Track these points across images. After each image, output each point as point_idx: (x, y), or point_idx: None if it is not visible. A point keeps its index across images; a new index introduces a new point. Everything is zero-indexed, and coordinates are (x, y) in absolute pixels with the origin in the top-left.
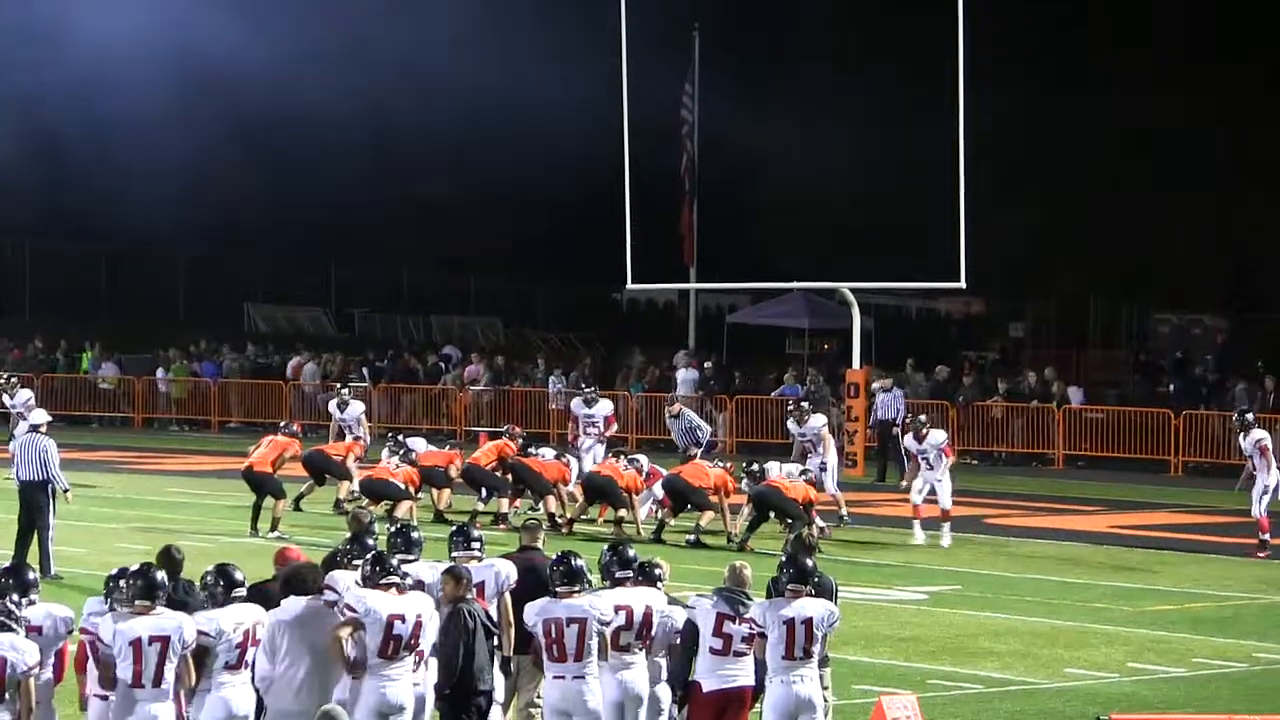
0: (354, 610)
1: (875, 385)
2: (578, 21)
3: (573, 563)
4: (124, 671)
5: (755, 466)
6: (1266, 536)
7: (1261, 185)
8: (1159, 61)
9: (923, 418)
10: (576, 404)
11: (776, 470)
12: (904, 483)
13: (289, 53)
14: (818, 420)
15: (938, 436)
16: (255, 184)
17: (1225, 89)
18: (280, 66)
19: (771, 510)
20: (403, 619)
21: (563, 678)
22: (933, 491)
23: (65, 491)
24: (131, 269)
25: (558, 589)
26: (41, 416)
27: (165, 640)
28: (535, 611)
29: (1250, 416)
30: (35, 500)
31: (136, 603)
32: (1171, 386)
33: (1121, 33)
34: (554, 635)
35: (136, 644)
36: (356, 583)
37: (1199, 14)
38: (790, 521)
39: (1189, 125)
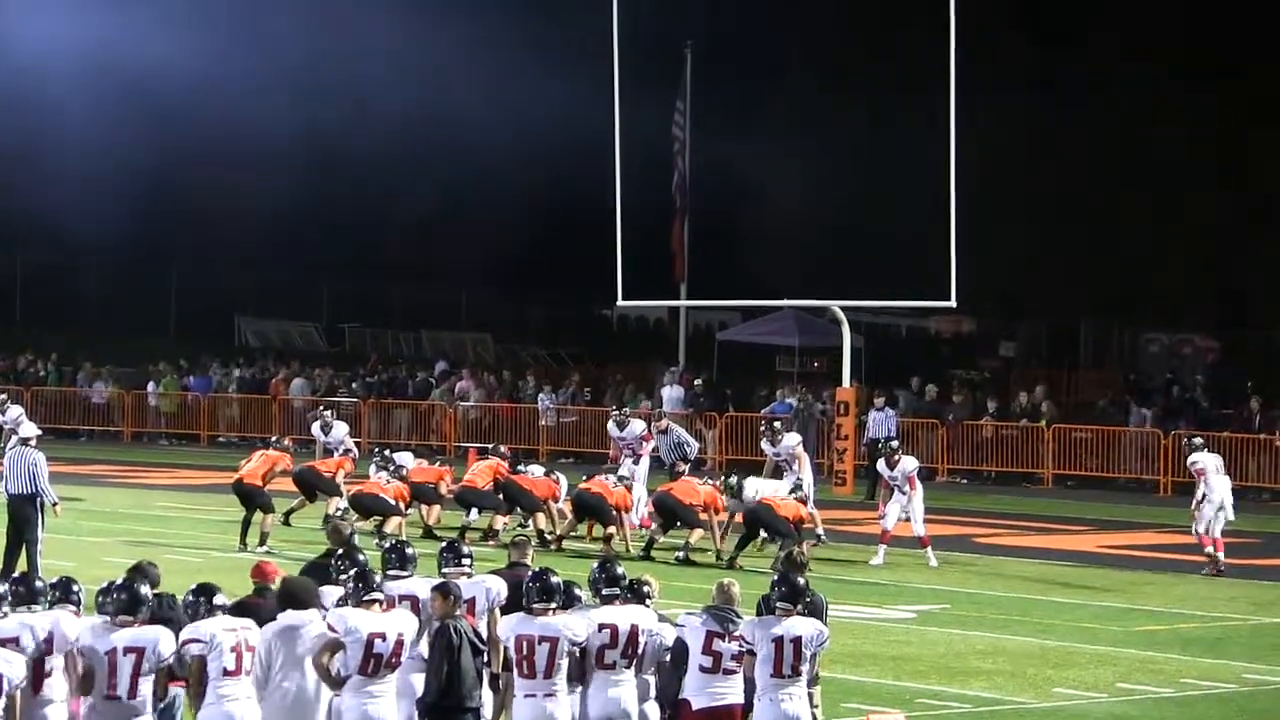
0: (334, 629)
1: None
2: (571, 38)
3: (549, 579)
4: (99, 682)
5: (733, 479)
6: (1217, 553)
7: (1253, 205)
8: (1152, 82)
9: (895, 443)
10: (611, 427)
11: (753, 486)
12: (879, 508)
13: (276, 68)
14: (791, 439)
15: (908, 464)
16: (248, 199)
17: (1218, 108)
18: (269, 82)
19: (762, 528)
20: (383, 637)
21: (533, 695)
22: (909, 516)
23: (54, 505)
24: (120, 282)
25: (533, 605)
26: (31, 430)
27: (140, 652)
28: (509, 627)
29: (1198, 441)
30: (24, 513)
31: (119, 617)
32: (1149, 412)
33: (1114, 54)
34: (525, 652)
35: (112, 655)
36: (340, 600)
37: (1195, 36)
38: (780, 540)
39: (1181, 143)
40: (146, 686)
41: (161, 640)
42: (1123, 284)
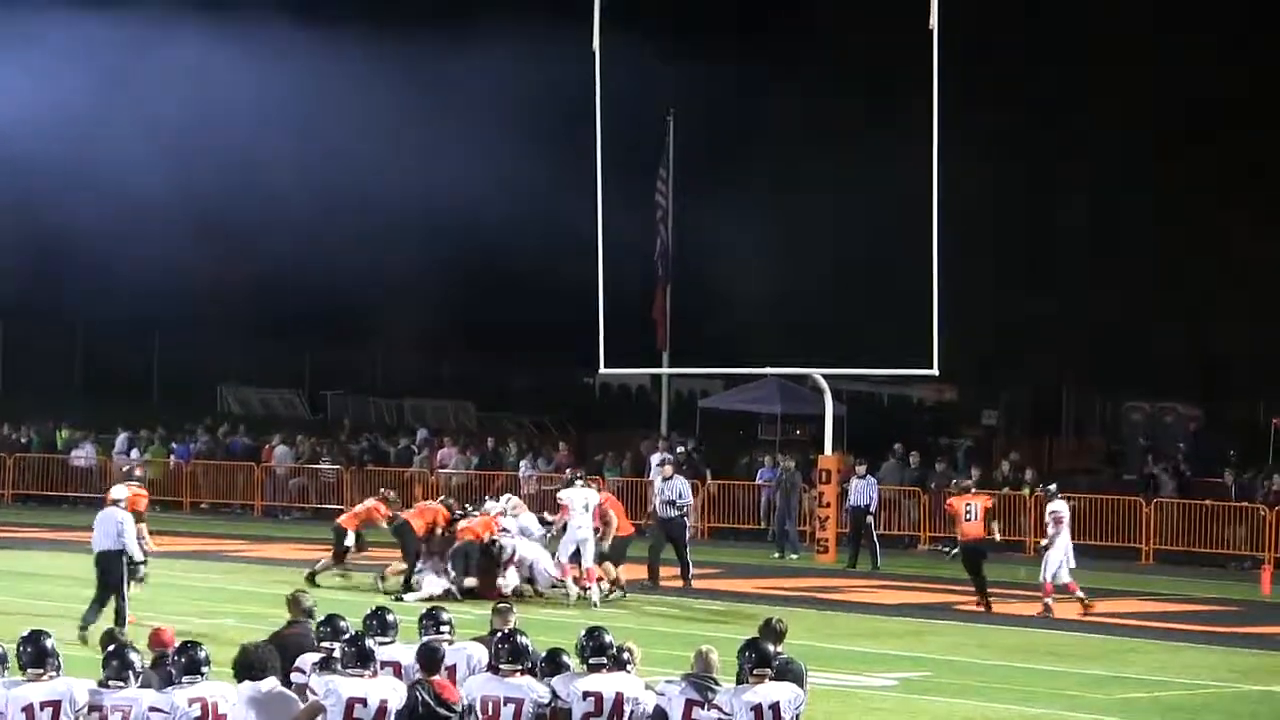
0: (315, 693)
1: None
2: (553, 107)
3: (518, 641)
4: None
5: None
6: (1075, 592)
7: (1234, 273)
8: (1130, 151)
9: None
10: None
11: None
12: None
13: (261, 121)
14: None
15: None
16: (230, 266)
17: (1195, 176)
18: (256, 136)
19: (973, 569)
20: (364, 702)
21: None
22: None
23: (141, 564)
24: (106, 350)
25: (501, 666)
26: (123, 492)
27: (56, 705)
28: (475, 687)
29: (1053, 488)
30: (110, 568)
31: (29, 670)
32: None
33: (1092, 126)
34: (490, 712)
35: (29, 710)
36: (317, 665)
37: (1179, 106)
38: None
39: (1162, 211)
40: None
41: (75, 691)
42: (1104, 352)
